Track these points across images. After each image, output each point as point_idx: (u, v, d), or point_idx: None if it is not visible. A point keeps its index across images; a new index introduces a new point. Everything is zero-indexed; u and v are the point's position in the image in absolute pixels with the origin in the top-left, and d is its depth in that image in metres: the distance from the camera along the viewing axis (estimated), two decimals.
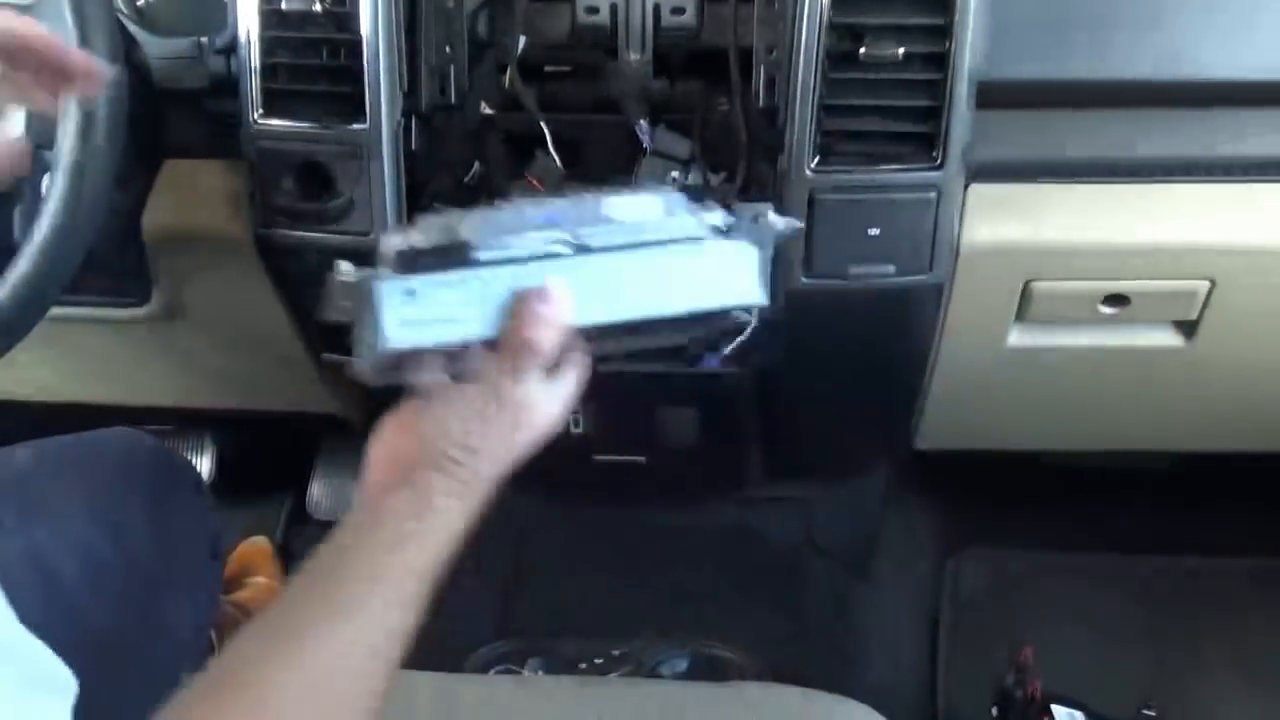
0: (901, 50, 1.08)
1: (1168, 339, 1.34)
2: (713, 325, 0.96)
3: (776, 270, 1.17)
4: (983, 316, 1.30)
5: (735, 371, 1.27)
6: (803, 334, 1.22)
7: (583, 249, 0.88)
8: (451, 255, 0.87)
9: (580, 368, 0.92)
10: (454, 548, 0.84)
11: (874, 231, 1.12)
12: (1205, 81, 1.21)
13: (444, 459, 0.85)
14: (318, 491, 2.02)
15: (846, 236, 1.13)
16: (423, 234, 0.87)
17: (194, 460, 2.00)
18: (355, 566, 0.81)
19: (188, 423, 2.01)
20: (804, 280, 1.15)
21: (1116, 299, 1.28)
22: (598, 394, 1.32)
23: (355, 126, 1.17)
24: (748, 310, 0.94)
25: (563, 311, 0.86)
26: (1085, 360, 1.37)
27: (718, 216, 0.91)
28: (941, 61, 1.09)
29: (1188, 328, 1.33)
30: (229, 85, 1.26)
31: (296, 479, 2.03)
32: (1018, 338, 1.34)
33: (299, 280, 1.27)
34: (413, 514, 0.83)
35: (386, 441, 0.89)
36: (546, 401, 0.89)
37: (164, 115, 1.28)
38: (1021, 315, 1.31)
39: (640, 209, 0.90)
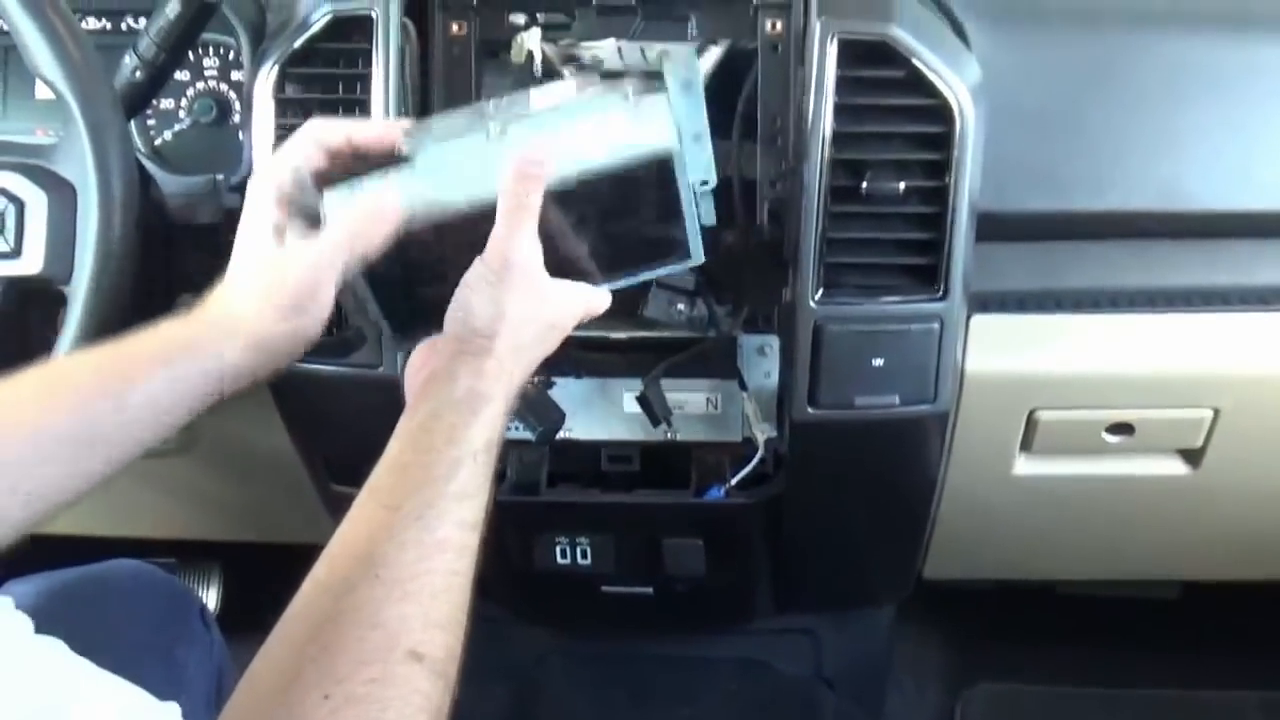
0: (902, 185, 1.10)
1: (1173, 467, 1.35)
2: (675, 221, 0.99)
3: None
4: (988, 446, 1.31)
5: (742, 502, 1.27)
6: (809, 464, 1.23)
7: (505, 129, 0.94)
8: (390, 160, 0.93)
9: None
10: (500, 429, 0.88)
11: (878, 362, 1.13)
12: (1204, 213, 1.23)
13: (475, 332, 0.90)
14: None
15: (851, 367, 1.14)
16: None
17: (200, 592, 1.98)
18: (415, 469, 0.85)
19: (194, 554, 2.00)
20: (809, 411, 1.16)
21: (1121, 428, 1.29)
22: (606, 526, 1.34)
23: None
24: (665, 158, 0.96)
25: (545, 168, 0.91)
26: (1092, 489, 1.37)
27: (629, 83, 0.95)
28: (942, 195, 1.11)
29: (1193, 456, 1.33)
30: None
31: None
32: (1024, 467, 1.34)
33: (308, 412, 1.28)
34: (452, 405, 0.87)
35: (416, 360, 0.96)
36: (559, 288, 0.94)
37: (178, 250, 1.30)
38: (1027, 445, 1.31)
39: (558, 92, 0.96)
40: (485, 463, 0.86)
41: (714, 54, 1.26)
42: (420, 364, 0.96)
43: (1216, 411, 1.27)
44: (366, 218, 0.92)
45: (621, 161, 0.95)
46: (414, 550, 0.80)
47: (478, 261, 0.91)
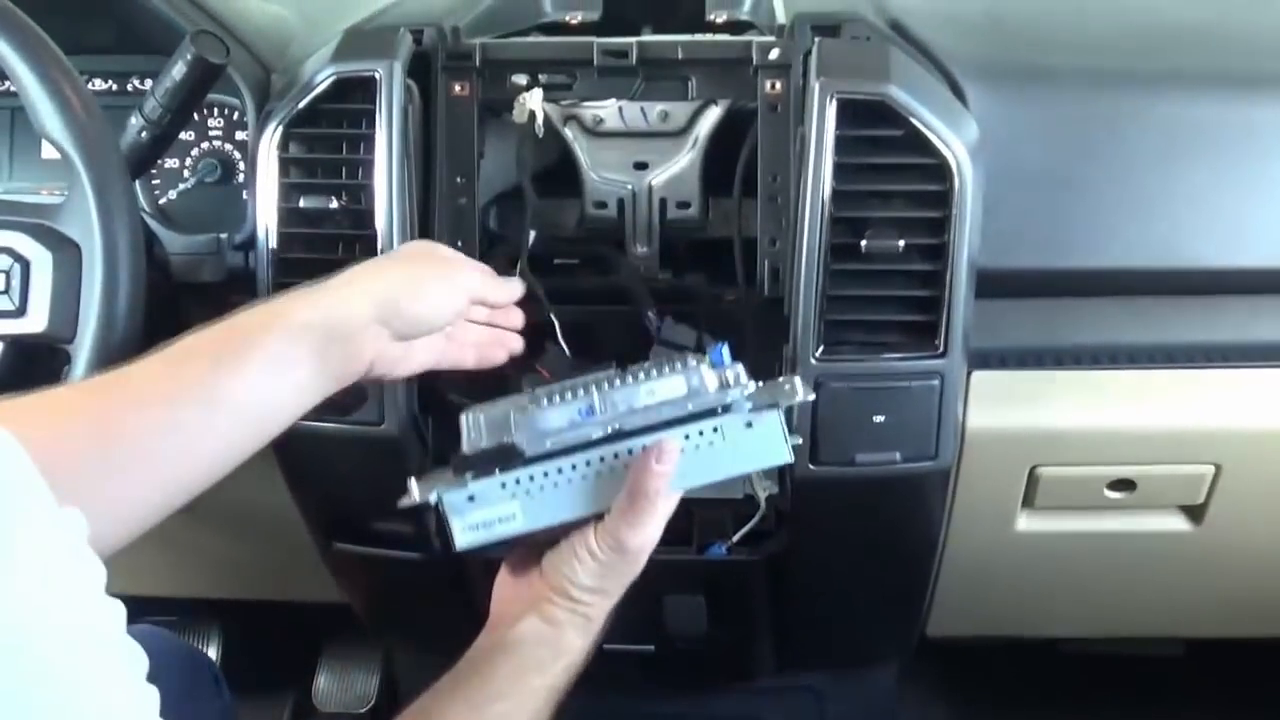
0: (902, 243, 1.11)
1: (1175, 523, 1.35)
2: None
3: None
4: (990, 503, 1.31)
5: (745, 559, 1.27)
6: (811, 521, 1.23)
7: (619, 434, 0.98)
8: (502, 457, 0.98)
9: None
10: (576, 672, 1.00)
11: (879, 419, 1.13)
12: (1202, 270, 1.24)
13: (573, 599, 0.99)
14: (323, 684, 1.99)
15: (852, 424, 1.14)
16: (475, 435, 0.99)
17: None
18: (491, 686, 0.95)
19: (192, 613, 1.99)
20: (810, 468, 1.16)
21: (1123, 484, 1.29)
22: None
23: None
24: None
25: (673, 465, 0.96)
26: (1094, 545, 1.37)
27: (737, 390, 0.98)
28: (941, 253, 1.12)
29: (1195, 512, 1.33)
30: (247, 279, 1.30)
31: (301, 671, 2.01)
32: (1026, 523, 1.34)
33: (310, 469, 1.28)
34: (544, 642, 0.98)
35: (507, 580, 1.03)
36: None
37: (182, 308, 1.31)
38: (1029, 501, 1.31)
39: (665, 389, 0.98)
40: (554, 702, 0.99)
41: (714, 114, 1.27)
42: (510, 578, 1.04)
43: (1218, 467, 1.27)
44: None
45: (736, 475, 1.04)
46: None
47: (592, 534, 0.98)
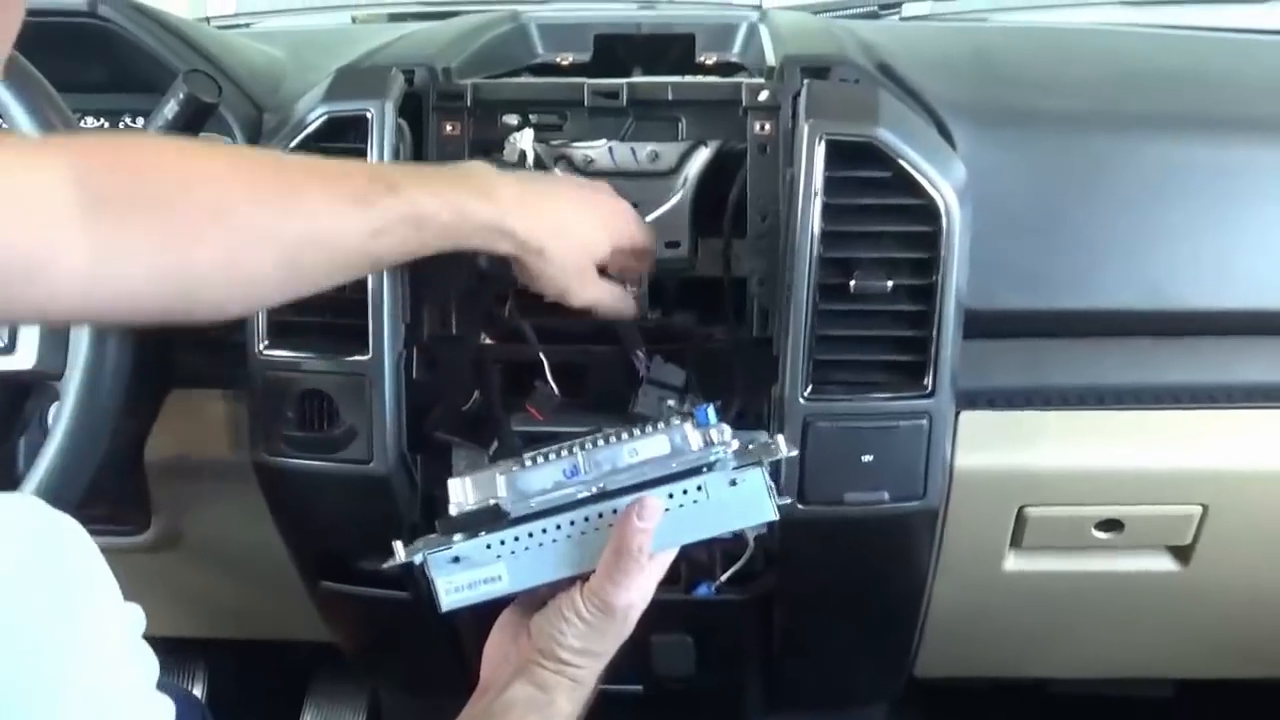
0: (890, 283, 1.12)
1: (1163, 564, 1.35)
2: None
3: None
4: (978, 543, 1.31)
5: (733, 599, 1.27)
6: (799, 561, 1.23)
7: (604, 494, 0.99)
8: (487, 518, 0.99)
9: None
10: None
11: (868, 458, 1.14)
12: (1186, 311, 1.25)
13: (561, 661, 0.98)
14: None
15: (841, 464, 1.14)
16: (462, 498, 1.00)
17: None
18: None
19: (179, 652, 1.98)
20: (799, 508, 1.16)
21: (1110, 524, 1.30)
22: None
23: (358, 357, 1.19)
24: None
25: (655, 521, 0.97)
26: (1082, 586, 1.37)
27: (721, 448, 0.99)
28: (929, 293, 1.12)
29: (1182, 553, 1.33)
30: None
31: (287, 711, 2.00)
32: (1014, 563, 1.34)
33: (297, 507, 1.28)
34: (534, 706, 0.97)
35: (497, 642, 1.03)
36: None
37: (171, 345, 1.30)
38: (1017, 541, 1.31)
39: (649, 448, 0.99)
40: None
41: (704, 155, 1.28)
42: (500, 639, 1.05)
43: (1205, 508, 1.28)
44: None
45: (726, 534, 1.07)
46: None
47: (578, 594, 0.98)
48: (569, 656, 0.99)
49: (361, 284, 1.19)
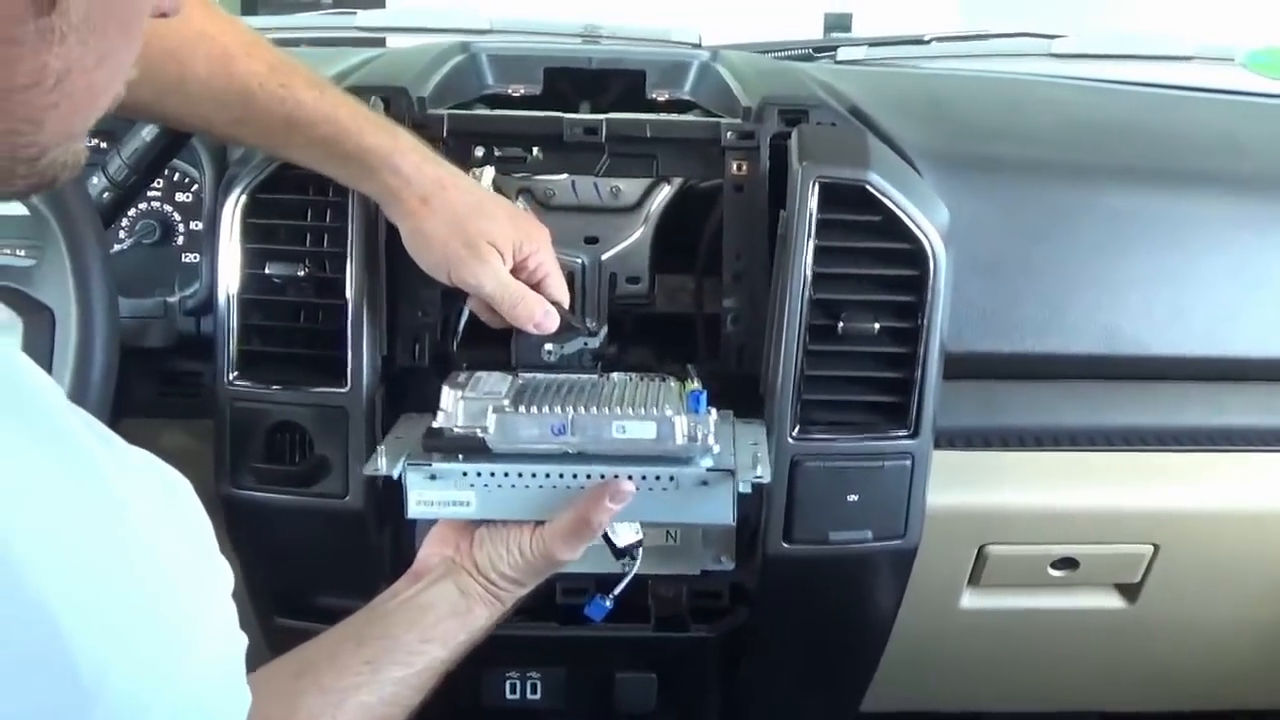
0: (877, 325, 1.13)
1: (1110, 601, 1.39)
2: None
3: (755, 534, 1.19)
4: (938, 580, 1.33)
5: (703, 636, 1.27)
6: (776, 598, 1.23)
7: (582, 456, 1.04)
8: (470, 447, 1.04)
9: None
10: (475, 642, 1.05)
11: (853, 498, 1.15)
12: (1143, 357, 1.29)
13: (491, 582, 1.05)
14: None
15: (826, 503, 1.15)
16: (452, 413, 1.05)
17: None
18: (395, 651, 0.98)
19: None
20: (785, 546, 1.17)
21: (1066, 562, 1.33)
22: (559, 659, 1.32)
23: (334, 389, 1.17)
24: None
25: (623, 505, 1.02)
26: (1032, 622, 1.40)
27: (703, 449, 1.04)
28: (914, 336, 1.14)
29: (1130, 591, 1.37)
30: (196, 345, 1.26)
31: None
32: (970, 600, 1.36)
33: (262, 541, 1.24)
34: (454, 611, 1.03)
35: (440, 534, 1.08)
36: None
37: (122, 373, 1.26)
38: (975, 579, 1.34)
39: (636, 429, 1.04)
40: (446, 665, 1.03)
41: (665, 191, 1.28)
42: (439, 544, 1.09)
43: (1156, 547, 1.32)
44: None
45: (681, 524, 1.18)
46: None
47: (528, 536, 1.04)
48: (499, 580, 1.05)
49: (336, 315, 1.17)
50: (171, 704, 0.56)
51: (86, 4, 0.55)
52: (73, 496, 0.54)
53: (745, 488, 1.05)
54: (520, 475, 1.04)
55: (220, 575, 0.65)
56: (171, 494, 0.63)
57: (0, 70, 0.54)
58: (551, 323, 1.16)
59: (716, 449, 1.04)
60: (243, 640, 0.64)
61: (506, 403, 1.05)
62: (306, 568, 1.26)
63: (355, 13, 1.89)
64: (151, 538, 0.58)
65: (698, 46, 1.70)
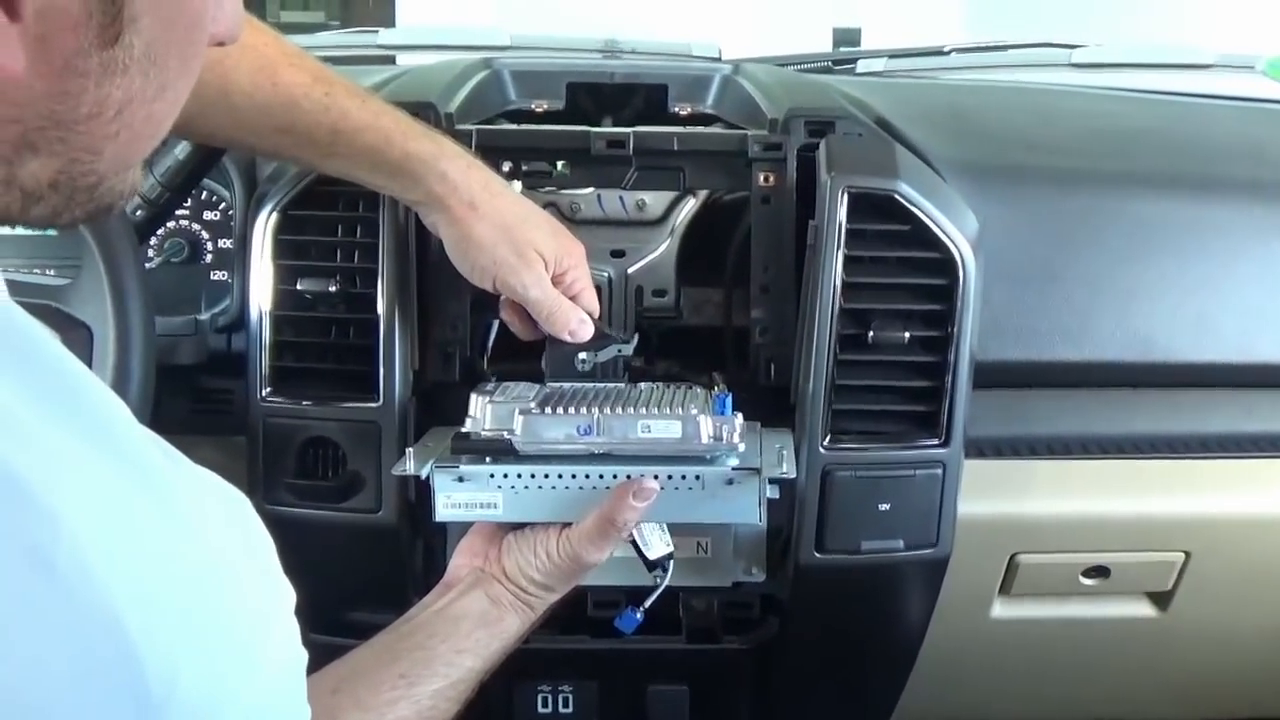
0: (907, 334, 1.14)
1: (1141, 609, 1.38)
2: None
3: (787, 544, 1.19)
4: (969, 589, 1.32)
5: (736, 647, 1.27)
6: (807, 608, 1.23)
7: (608, 457, 1.05)
8: (497, 449, 1.05)
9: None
10: (508, 650, 1.05)
11: (885, 507, 1.15)
12: (1172, 363, 1.29)
13: (521, 589, 1.06)
14: None
15: (858, 513, 1.15)
16: (480, 418, 1.07)
17: None
18: (431, 664, 1.00)
19: None
20: (816, 556, 1.17)
21: (1097, 570, 1.32)
22: (591, 673, 1.32)
23: (367, 404, 1.18)
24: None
25: (648, 504, 1.03)
26: (1064, 631, 1.40)
27: (727, 448, 1.05)
28: (944, 345, 1.14)
29: (1162, 599, 1.37)
30: (227, 362, 1.27)
31: None
32: (1001, 610, 1.36)
33: (295, 556, 1.24)
34: (485, 621, 1.04)
35: (469, 545, 1.10)
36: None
37: (156, 391, 1.27)
38: (1006, 588, 1.33)
39: (661, 429, 1.05)
40: (480, 674, 1.04)
41: (691, 205, 1.29)
42: (470, 555, 1.10)
43: (1188, 555, 1.31)
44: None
45: (708, 525, 1.14)
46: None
47: (555, 539, 1.05)
48: (529, 586, 1.06)
49: (368, 330, 1.18)
50: (236, 717, 0.56)
51: (149, 37, 0.56)
52: (143, 509, 0.54)
53: (773, 491, 1.06)
54: (547, 476, 1.05)
55: (284, 591, 0.65)
56: (236, 510, 0.63)
57: (65, 101, 0.55)
58: (586, 331, 1.16)
59: (742, 448, 1.05)
60: (304, 657, 0.64)
61: (533, 405, 1.06)
62: (339, 583, 1.26)
63: (377, 31, 1.91)
64: (219, 553, 0.58)
65: (719, 60, 1.71)
